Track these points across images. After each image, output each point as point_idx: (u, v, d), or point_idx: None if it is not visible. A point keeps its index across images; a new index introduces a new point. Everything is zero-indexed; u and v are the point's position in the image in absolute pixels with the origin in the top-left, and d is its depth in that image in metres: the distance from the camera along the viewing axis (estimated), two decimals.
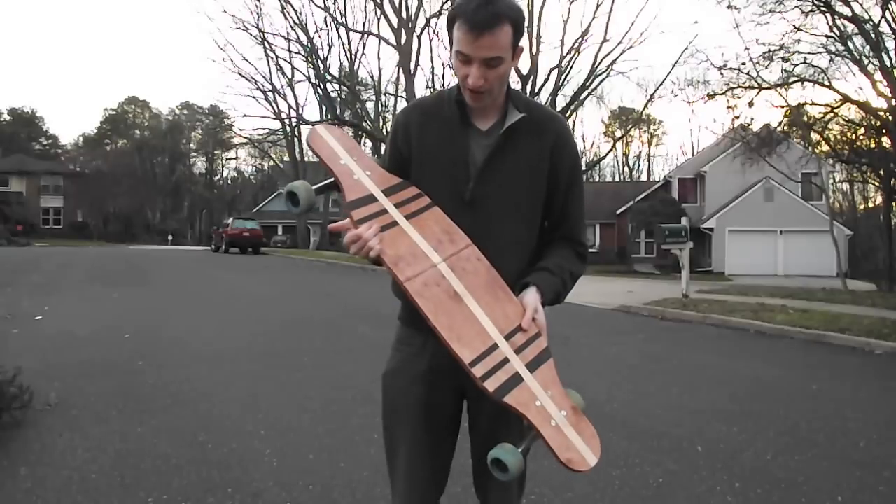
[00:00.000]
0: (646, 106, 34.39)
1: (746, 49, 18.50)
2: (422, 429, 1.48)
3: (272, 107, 38.77)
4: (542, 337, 1.34)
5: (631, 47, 26.15)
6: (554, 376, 1.32)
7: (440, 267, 1.34)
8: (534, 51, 24.60)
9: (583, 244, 1.55)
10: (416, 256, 1.33)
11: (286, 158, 44.67)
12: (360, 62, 51.33)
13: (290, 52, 32.96)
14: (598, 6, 25.70)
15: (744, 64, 16.40)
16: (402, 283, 1.29)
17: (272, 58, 34.30)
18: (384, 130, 27.02)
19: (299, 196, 1.34)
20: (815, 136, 19.27)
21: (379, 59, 59.77)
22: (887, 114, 15.89)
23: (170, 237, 48.24)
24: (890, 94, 15.61)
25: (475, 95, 1.38)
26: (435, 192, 1.44)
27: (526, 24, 1.48)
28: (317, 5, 29.99)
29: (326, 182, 1.45)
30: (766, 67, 16.51)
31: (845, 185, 36.18)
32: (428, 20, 25.54)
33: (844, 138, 18.26)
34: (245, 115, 77.10)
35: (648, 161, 59.37)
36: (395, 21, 25.54)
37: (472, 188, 1.43)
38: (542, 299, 1.39)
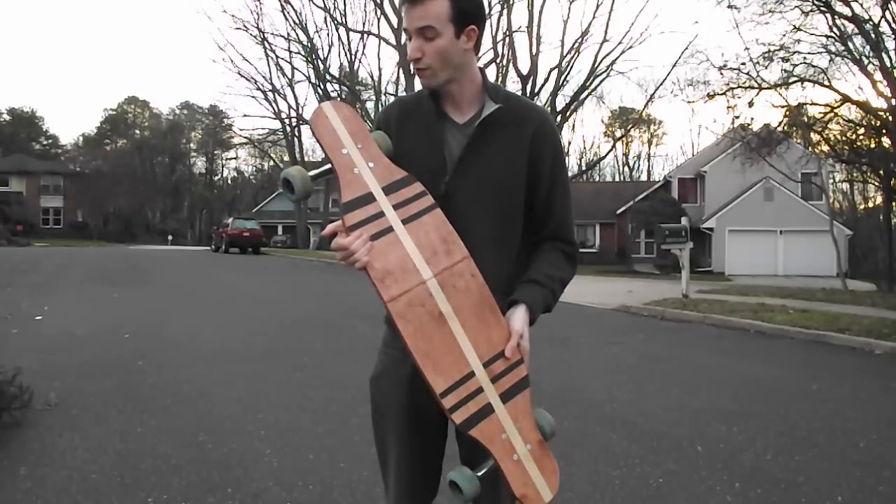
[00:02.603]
0: (646, 106, 34.51)
1: (746, 49, 18.52)
2: (409, 432, 1.48)
3: (272, 107, 39.01)
4: (522, 364, 1.33)
5: (631, 47, 26.29)
6: (527, 407, 1.32)
7: (429, 284, 1.30)
8: (534, 51, 24.63)
9: (571, 243, 1.52)
10: (406, 271, 1.29)
11: (286, 158, 44.70)
12: (360, 62, 51.42)
13: (290, 52, 33.14)
14: (598, 6, 25.80)
15: (744, 64, 16.41)
16: (386, 302, 1.26)
17: (272, 58, 34.46)
18: None
19: (294, 185, 1.30)
20: (815, 136, 19.26)
21: (379, 59, 59.84)
22: (887, 114, 15.89)
23: (170, 237, 48.24)
24: (890, 94, 15.62)
25: (419, 72, 1.40)
26: None
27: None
28: (317, 5, 30.09)
29: (323, 169, 1.37)
30: (766, 67, 16.52)
31: (845, 185, 36.19)
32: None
33: (844, 138, 18.25)
34: (245, 115, 77.21)
35: (648, 161, 59.46)
36: (395, 21, 25.56)
37: (448, 182, 1.42)
38: (531, 317, 1.38)
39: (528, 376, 1.34)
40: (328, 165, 1.35)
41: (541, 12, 24.58)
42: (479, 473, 1.26)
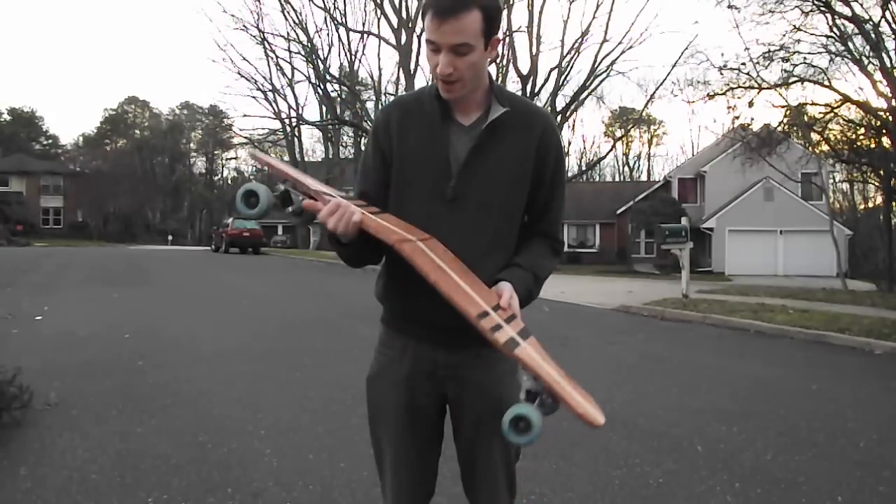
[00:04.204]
0: (646, 106, 34.48)
1: (746, 49, 18.49)
2: (405, 432, 1.48)
3: (272, 107, 38.91)
4: (517, 318, 1.32)
5: (631, 47, 26.22)
6: (540, 347, 1.28)
7: (418, 244, 1.32)
8: (534, 51, 24.64)
9: (559, 240, 1.55)
10: (395, 231, 1.31)
11: (286, 158, 44.68)
12: (360, 62, 51.41)
13: (290, 52, 33.08)
14: (598, 6, 25.80)
15: (744, 64, 16.41)
16: (394, 243, 1.26)
17: (272, 58, 34.42)
18: None
19: (259, 195, 1.24)
20: (815, 136, 19.27)
21: (379, 59, 59.85)
22: (887, 114, 15.89)
23: (170, 237, 48.23)
24: (890, 94, 15.61)
25: (446, 85, 1.36)
26: (416, 190, 1.42)
27: (503, 13, 1.46)
28: (317, 5, 30.07)
29: (283, 191, 1.33)
30: (766, 67, 16.52)
31: (845, 185, 36.19)
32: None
33: (844, 138, 18.25)
34: (245, 115, 77.14)
35: (648, 161, 59.44)
36: (395, 21, 25.57)
37: (454, 185, 1.41)
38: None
39: (527, 327, 1.30)
40: (284, 187, 1.32)
41: (541, 12, 24.60)
42: (535, 403, 1.20)
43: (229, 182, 67.42)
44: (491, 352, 1.45)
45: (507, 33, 24.41)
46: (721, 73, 16.81)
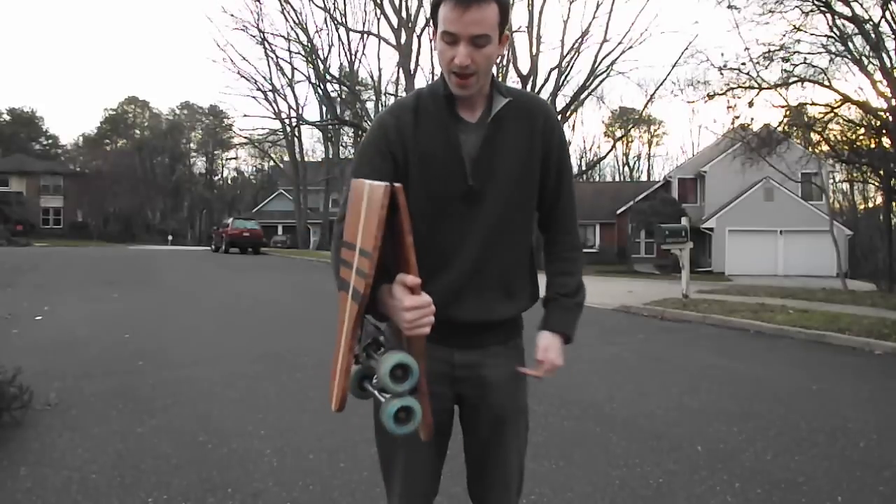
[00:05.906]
0: (646, 106, 34.46)
1: (746, 49, 18.51)
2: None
3: (272, 107, 39.06)
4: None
5: (631, 47, 26.26)
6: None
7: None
8: (534, 51, 24.65)
9: (576, 233, 1.59)
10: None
11: (286, 158, 44.72)
12: (360, 62, 51.47)
13: (290, 52, 33.19)
14: (598, 6, 25.81)
15: (744, 64, 16.38)
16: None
17: (272, 58, 34.48)
18: None
19: (412, 367, 1.18)
20: (815, 136, 19.25)
21: (379, 59, 60.01)
22: (887, 114, 15.87)
23: (170, 237, 48.21)
24: (890, 94, 15.60)
25: (462, 79, 1.35)
26: (436, 192, 1.42)
27: (516, 14, 1.49)
28: (317, 5, 30.14)
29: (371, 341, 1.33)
30: (766, 67, 16.49)
31: (845, 185, 36.17)
32: (428, 20, 25.54)
33: (844, 138, 18.23)
34: (245, 115, 77.37)
35: (648, 161, 59.48)
36: (395, 21, 25.59)
37: (470, 183, 1.42)
38: (566, 341, 1.52)
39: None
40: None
41: (541, 12, 24.63)
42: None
43: (229, 182, 67.46)
44: (501, 349, 1.48)
45: (508, 33, 24.40)
46: (721, 73, 16.78)
